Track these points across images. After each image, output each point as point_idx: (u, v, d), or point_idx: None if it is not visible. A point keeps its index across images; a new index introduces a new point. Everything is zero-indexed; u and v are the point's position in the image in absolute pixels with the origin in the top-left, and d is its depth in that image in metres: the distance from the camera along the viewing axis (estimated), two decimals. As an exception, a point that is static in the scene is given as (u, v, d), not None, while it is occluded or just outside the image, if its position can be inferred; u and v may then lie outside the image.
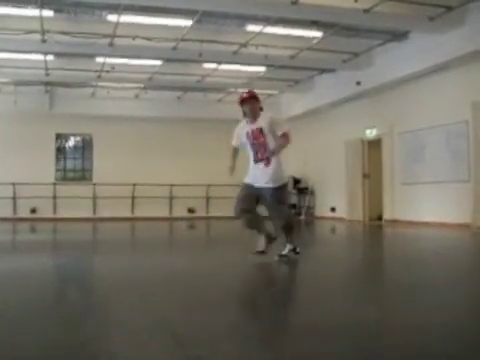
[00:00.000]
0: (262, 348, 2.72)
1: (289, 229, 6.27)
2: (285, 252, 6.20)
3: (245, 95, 6.30)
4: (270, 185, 6.09)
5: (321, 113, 17.96)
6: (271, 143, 6.12)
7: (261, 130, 6.16)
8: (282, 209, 6.35)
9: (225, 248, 6.45)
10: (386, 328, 3.11)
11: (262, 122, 6.19)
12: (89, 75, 15.77)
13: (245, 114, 6.28)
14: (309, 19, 11.60)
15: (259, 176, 6.14)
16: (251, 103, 6.22)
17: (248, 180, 6.24)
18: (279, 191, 6.20)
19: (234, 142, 6.39)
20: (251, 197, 6.17)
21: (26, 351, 2.64)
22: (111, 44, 12.57)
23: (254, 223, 6.30)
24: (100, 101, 18.12)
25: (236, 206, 6.18)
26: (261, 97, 19.30)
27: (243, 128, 6.30)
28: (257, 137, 6.16)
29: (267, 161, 6.13)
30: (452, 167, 12.42)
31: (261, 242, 6.26)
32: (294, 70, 15.82)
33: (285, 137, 6.18)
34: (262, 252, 6.21)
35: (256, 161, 6.19)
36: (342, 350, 2.65)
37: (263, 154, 6.13)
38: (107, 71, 15.08)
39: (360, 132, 15.96)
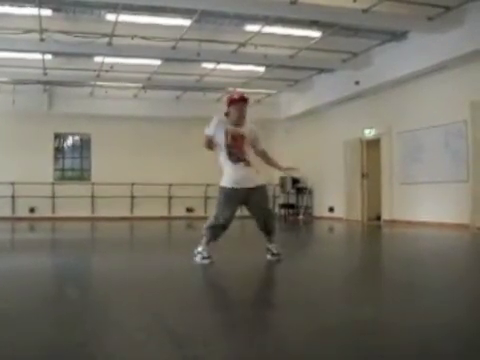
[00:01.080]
0: (260, 348, 2.71)
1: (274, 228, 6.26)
2: (277, 250, 6.16)
3: (236, 96, 5.93)
4: (260, 183, 6.04)
5: (320, 113, 17.96)
6: (248, 150, 5.99)
7: (243, 136, 5.92)
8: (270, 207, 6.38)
9: (222, 248, 6.44)
10: (385, 328, 3.11)
11: (245, 130, 5.96)
12: (88, 74, 15.77)
13: (228, 115, 5.92)
14: (308, 19, 11.60)
15: (246, 177, 5.90)
16: (242, 106, 5.87)
17: (234, 185, 5.89)
18: (266, 189, 6.22)
19: (211, 131, 5.90)
20: (237, 207, 6.04)
21: (25, 351, 2.63)
22: (110, 43, 12.55)
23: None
24: (99, 101, 18.11)
25: (229, 216, 5.89)
26: (260, 97, 19.33)
27: (222, 123, 5.90)
28: (236, 139, 5.88)
29: (247, 162, 5.92)
30: (451, 167, 12.42)
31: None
32: (293, 70, 15.82)
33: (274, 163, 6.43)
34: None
35: (234, 162, 5.90)
36: (342, 350, 2.65)
37: (241, 155, 5.91)
38: (106, 70, 15.07)
39: (359, 132, 15.96)
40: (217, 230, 5.95)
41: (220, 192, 6.02)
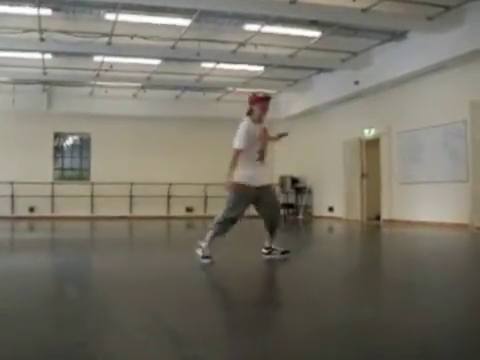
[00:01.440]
0: (260, 348, 2.71)
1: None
2: (284, 248, 6.24)
3: (261, 95, 6.17)
4: (269, 182, 6.20)
5: (319, 112, 17.96)
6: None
7: (266, 130, 6.23)
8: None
9: (222, 247, 6.43)
10: (385, 328, 3.10)
11: (265, 125, 6.26)
12: (87, 74, 15.75)
13: (251, 113, 6.10)
14: (308, 18, 11.59)
15: (260, 175, 6.08)
16: (266, 105, 6.13)
17: (251, 182, 5.99)
18: (274, 188, 6.39)
19: (243, 145, 5.92)
20: (248, 204, 6.15)
21: (25, 351, 2.63)
22: (109, 43, 12.55)
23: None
24: (98, 100, 18.11)
25: (239, 212, 5.98)
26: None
27: (253, 128, 6.05)
28: (263, 137, 6.14)
29: (263, 160, 6.15)
30: (450, 167, 12.42)
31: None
32: (292, 69, 15.81)
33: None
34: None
35: (257, 160, 6.06)
36: (341, 350, 2.65)
37: (262, 153, 6.12)
38: (105, 70, 15.07)
39: (358, 132, 15.96)
40: (226, 225, 6.00)
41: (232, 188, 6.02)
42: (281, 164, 19.29)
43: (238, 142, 5.94)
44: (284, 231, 12.63)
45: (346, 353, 2.59)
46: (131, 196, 19.13)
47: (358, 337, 2.89)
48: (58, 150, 19.69)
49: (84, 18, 11.69)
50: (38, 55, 13.76)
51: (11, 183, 17.77)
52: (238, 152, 5.93)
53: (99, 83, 16.97)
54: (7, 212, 17.86)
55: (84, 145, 19.80)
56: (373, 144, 15.50)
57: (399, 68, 13.19)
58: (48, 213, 18.28)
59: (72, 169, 20.04)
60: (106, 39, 12.41)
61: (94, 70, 15.22)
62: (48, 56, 13.94)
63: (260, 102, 6.09)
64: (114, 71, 15.14)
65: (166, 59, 14.27)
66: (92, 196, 18.85)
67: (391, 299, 4.06)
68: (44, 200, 18.30)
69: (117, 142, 19.10)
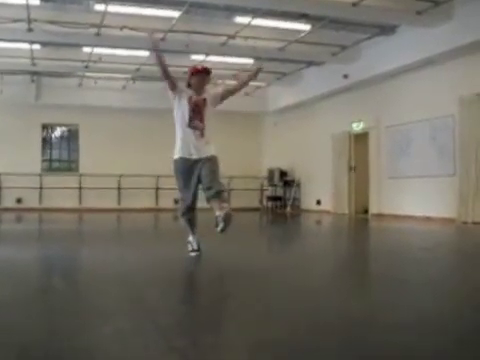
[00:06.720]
0: (246, 340, 2.71)
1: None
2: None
3: (199, 68, 6.03)
4: (207, 154, 5.96)
5: (308, 106, 17.97)
6: (209, 116, 6.02)
7: (205, 100, 5.99)
8: (218, 179, 5.98)
9: (209, 240, 6.44)
10: (376, 324, 3.11)
11: (207, 95, 6.02)
12: (76, 65, 15.68)
13: (190, 86, 6.01)
14: (298, 12, 11.59)
15: (196, 146, 6.02)
16: (204, 77, 5.93)
17: (183, 154, 6.08)
18: (214, 160, 6.03)
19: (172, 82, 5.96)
20: (194, 181, 5.99)
21: (10, 345, 2.62)
22: (98, 34, 12.49)
23: (194, 219, 5.98)
24: (87, 91, 18.03)
25: (189, 201, 5.97)
26: (248, 89, 19.18)
27: (186, 91, 6.02)
28: (199, 105, 5.98)
29: (202, 132, 6.02)
30: (438, 161, 12.50)
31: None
32: (282, 62, 15.81)
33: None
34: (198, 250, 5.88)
35: (189, 126, 6.04)
36: (332, 348, 2.65)
37: (198, 124, 6.02)
38: (94, 61, 15.00)
39: (347, 125, 15.99)
40: (187, 214, 5.93)
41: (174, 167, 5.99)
42: (269, 157, 19.33)
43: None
44: (272, 224, 12.68)
45: (338, 352, 2.59)
46: (119, 188, 19.09)
47: (349, 334, 2.89)
48: (46, 141, 19.62)
49: (73, 8, 11.62)
50: (26, 45, 13.67)
51: (-2, 174, 17.70)
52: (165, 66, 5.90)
53: (88, 74, 16.88)
54: (-6, 203, 17.80)
55: (72, 137, 19.73)
56: (362, 138, 15.55)
57: (388, 62, 13.23)
58: (36, 205, 18.20)
59: (60, 161, 19.99)
60: (95, 30, 12.34)
61: (83, 61, 15.15)
62: (36, 46, 13.86)
63: (197, 74, 5.91)
64: (103, 62, 15.09)
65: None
66: (80, 188, 18.79)
67: (380, 295, 4.07)
68: (32, 192, 18.22)
69: (106, 134, 19.03)
